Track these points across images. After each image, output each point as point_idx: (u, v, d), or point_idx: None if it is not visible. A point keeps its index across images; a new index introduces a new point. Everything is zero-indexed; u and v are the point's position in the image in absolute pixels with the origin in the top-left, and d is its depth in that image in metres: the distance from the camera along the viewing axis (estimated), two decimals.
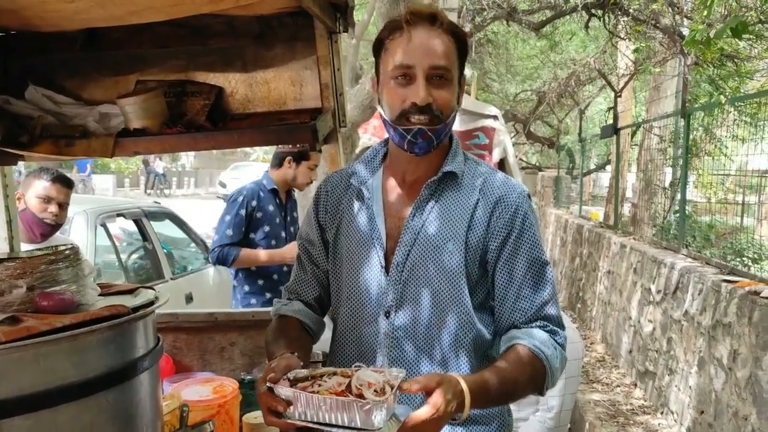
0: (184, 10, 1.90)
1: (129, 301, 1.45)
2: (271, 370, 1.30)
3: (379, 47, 1.53)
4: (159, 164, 29.80)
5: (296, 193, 3.94)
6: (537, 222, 1.58)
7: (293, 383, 1.26)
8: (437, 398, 1.24)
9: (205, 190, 32.92)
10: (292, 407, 1.23)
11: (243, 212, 3.58)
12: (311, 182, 3.75)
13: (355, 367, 1.27)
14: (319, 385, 1.23)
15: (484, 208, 1.53)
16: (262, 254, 3.58)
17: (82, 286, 1.45)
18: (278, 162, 3.74)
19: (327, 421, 1.20)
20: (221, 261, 3.58)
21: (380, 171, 1.63)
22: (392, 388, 1.20)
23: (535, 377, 1.47)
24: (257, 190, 3.68)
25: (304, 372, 1.30)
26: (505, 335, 1.54)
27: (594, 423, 4.88)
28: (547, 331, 1.51)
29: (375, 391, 1.19)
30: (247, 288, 3.69)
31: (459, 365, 1.52)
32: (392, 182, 1.61)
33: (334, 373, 1.27)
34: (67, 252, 1.45)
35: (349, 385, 1.21)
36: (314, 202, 1.70)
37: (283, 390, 1.24)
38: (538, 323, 1.52)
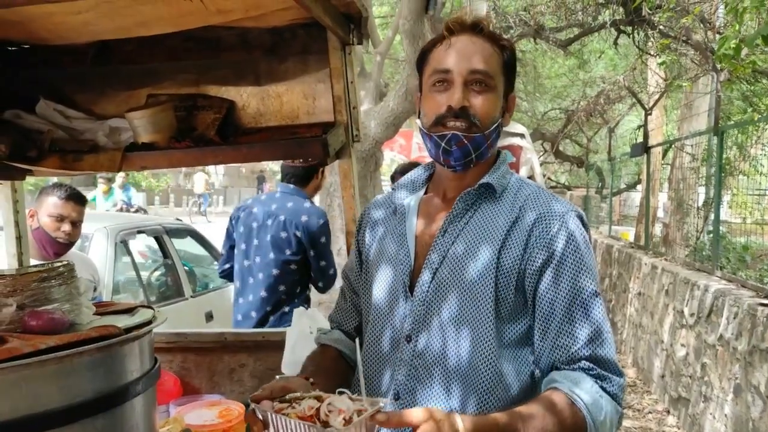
0: (192, 21, 1.87)
1: (124, 321, 1.38)
2: (263, 389, 1.25)
3: (422, 59, 1.45)
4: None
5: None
6: (587, 245, 1.37)
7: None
8: None
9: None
10: (271, 428, 1.20)
11: None
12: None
13: (338, 392, 1.21)
14: (293, 408, 1.19)
15: (522, 227, 1.36)
16: None
17: (76, 305, 1.39)
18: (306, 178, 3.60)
19: None
20: None
21: (422, 191, 1.54)
22: (360, 417, 1.13)
23: (568, 430, 1.22)
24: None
25: (296, 394, 1.25)
26: (546, 378, 1.33)
27: None
28: (592, 375, 1.29)
29: (344, 419, 1.12)
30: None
31: (467, 405, 1.33)
32: (432, 200, 1.50)
33: (317, 397, 1.22)
34: (61, 269, 1.39)
35: (318, 410, 1.16)
36: (357, 228, 1.64)
37: (260, 410, 1.22)
38: (581, 364, 1.30)
